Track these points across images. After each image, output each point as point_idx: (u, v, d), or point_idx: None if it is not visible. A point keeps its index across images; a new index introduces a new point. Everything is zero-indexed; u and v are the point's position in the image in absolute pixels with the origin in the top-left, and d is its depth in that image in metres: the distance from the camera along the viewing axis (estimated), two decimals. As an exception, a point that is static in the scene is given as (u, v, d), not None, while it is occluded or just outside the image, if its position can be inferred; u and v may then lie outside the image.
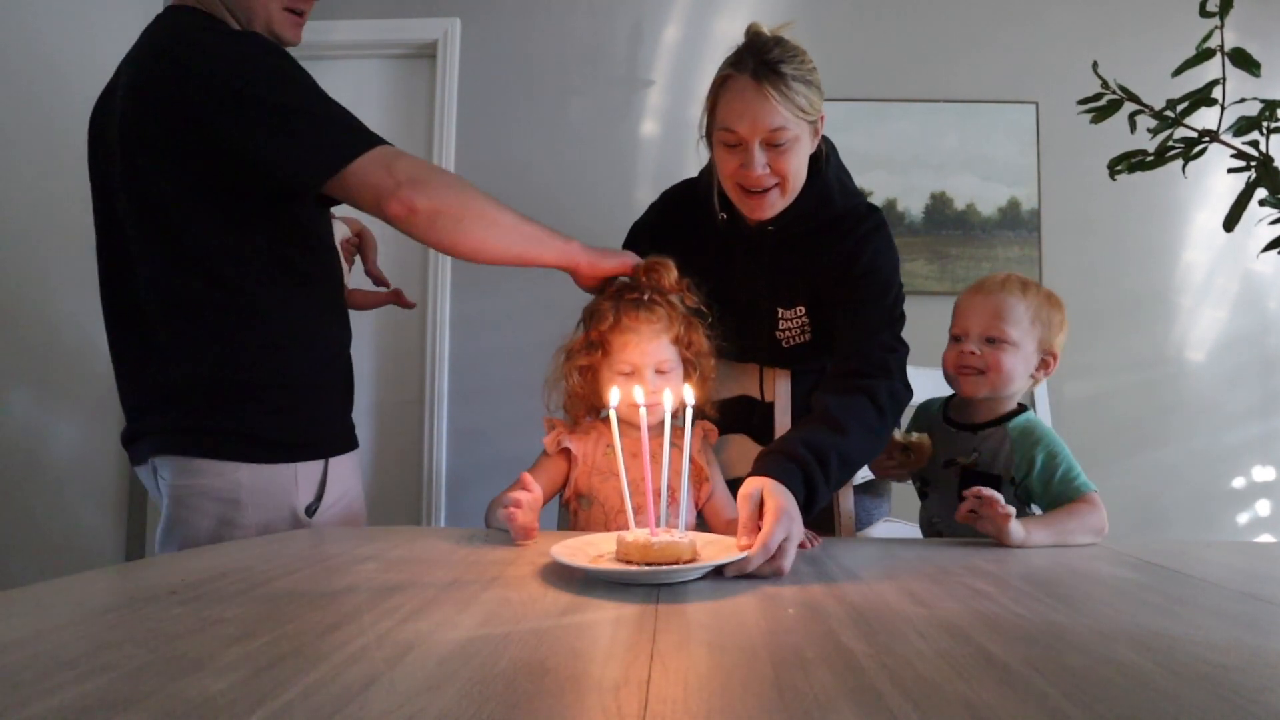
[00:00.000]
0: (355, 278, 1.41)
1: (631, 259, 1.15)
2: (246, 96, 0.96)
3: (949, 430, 1.17)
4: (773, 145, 1.11)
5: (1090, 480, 1.04)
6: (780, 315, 1.27)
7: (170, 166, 0.98)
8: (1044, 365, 1.14)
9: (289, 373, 1.05)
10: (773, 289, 1.26)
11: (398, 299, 1.43)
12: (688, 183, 1.35)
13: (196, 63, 0.97)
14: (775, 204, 1.16)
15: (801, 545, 0.92)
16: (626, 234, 1.42)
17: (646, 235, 1.35)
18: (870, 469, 1.18)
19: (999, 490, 1.06)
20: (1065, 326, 1.15)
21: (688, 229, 1.28)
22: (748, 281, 1.26)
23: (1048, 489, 1.06)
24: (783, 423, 1.35)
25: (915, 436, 1.15)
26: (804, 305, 1.26)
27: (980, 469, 1.11)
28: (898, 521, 1.41)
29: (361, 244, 1.41)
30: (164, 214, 1.00)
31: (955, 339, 1.16)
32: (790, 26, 1.18)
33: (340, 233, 1.34)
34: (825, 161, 1.20)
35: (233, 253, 1.01)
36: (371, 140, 1.00)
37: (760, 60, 1.11)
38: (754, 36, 1.16)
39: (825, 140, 1.20)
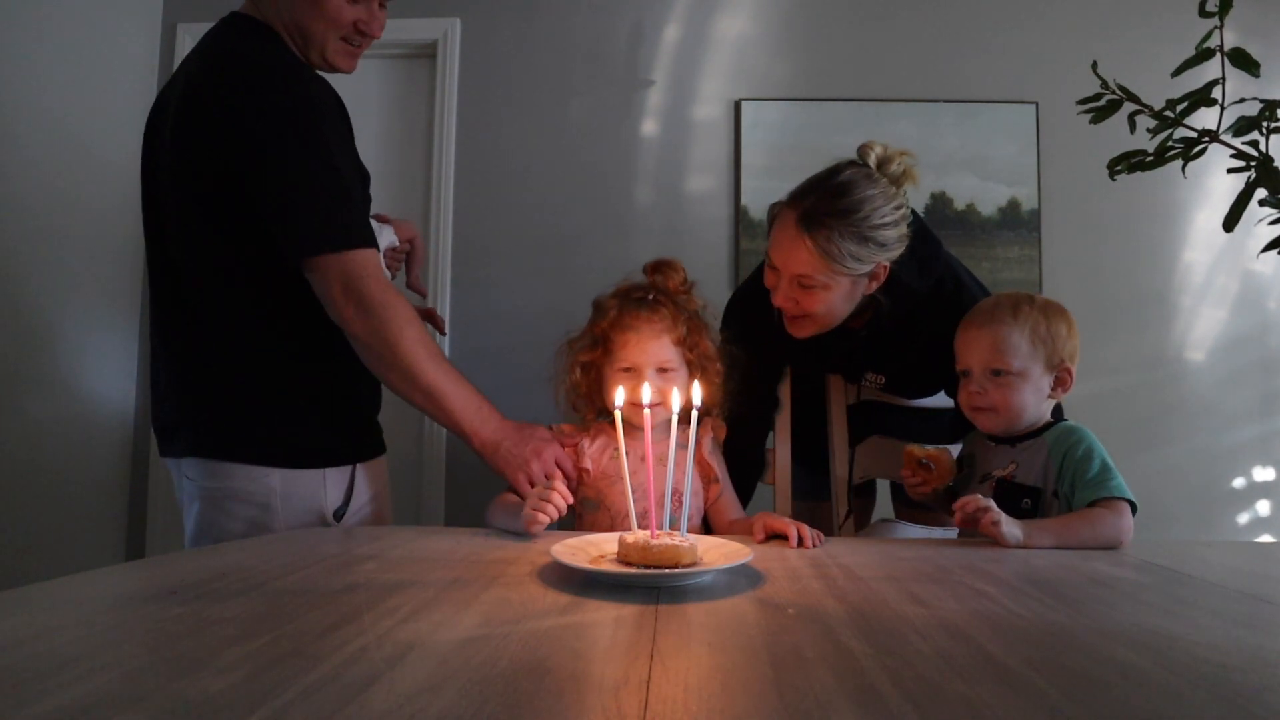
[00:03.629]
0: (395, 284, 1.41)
1: (545, 455, 1.09)
2: (270, 154, 0.99)
3: (988, 445, 1.14)
4: (801, 285, 1.12)
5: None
6: (865, 377, 1.33)
7: (209, 189, 1.02)
8: (1060, 383, 1.09)
9: (323, 382, 1.08)
10: (865, 364, 1.31)
11: (433, 318, 1.44)
12: (754, 282, 1.33)
13: (238, 98, 1.00)
14: (807, 329, 1.18)
15: (804, 544, 0.92)
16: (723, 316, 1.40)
17: (744, 320, 1.34)
18: (905, 490, 1.18)
19: (1038, 503, 1.05)
20: (1074, 333, 1.09)
21: (769, 327, 1.27)
22: (841, 360, 1.32)
23: (1075, 489, 1.01)
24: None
25: (934, 450, 1.13)
26: (885, 376, 1.31)
27: (1017, 481, 1.08)
28: (897, 522, 1.41)
29: (411, 253, 1.43)
30: (207, 228, 1.04)
31: (963, 375, 1.12)
32: (907, 157, 1.13)
33: (387, 240, 1.34)
34: (899, 275, 1.16)
35: (269, 267, 1.03)
36: (353, 241, 1.01)
37: (817, 206, 1.08)
38: (835, 170, 1.12)
39: (914, 222, 1.16)
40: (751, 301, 1.32)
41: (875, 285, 1.15)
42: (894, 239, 1.10)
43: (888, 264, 1.13)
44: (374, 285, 1.01)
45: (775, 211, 1.16)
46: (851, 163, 1.13)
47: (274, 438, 1.05)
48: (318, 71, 1.12)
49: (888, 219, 1.09)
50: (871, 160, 1.11)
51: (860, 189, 1.08)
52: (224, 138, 0.99)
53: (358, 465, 1.12)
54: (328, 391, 1.09)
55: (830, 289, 1.11)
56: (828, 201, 1.08)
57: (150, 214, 1.09)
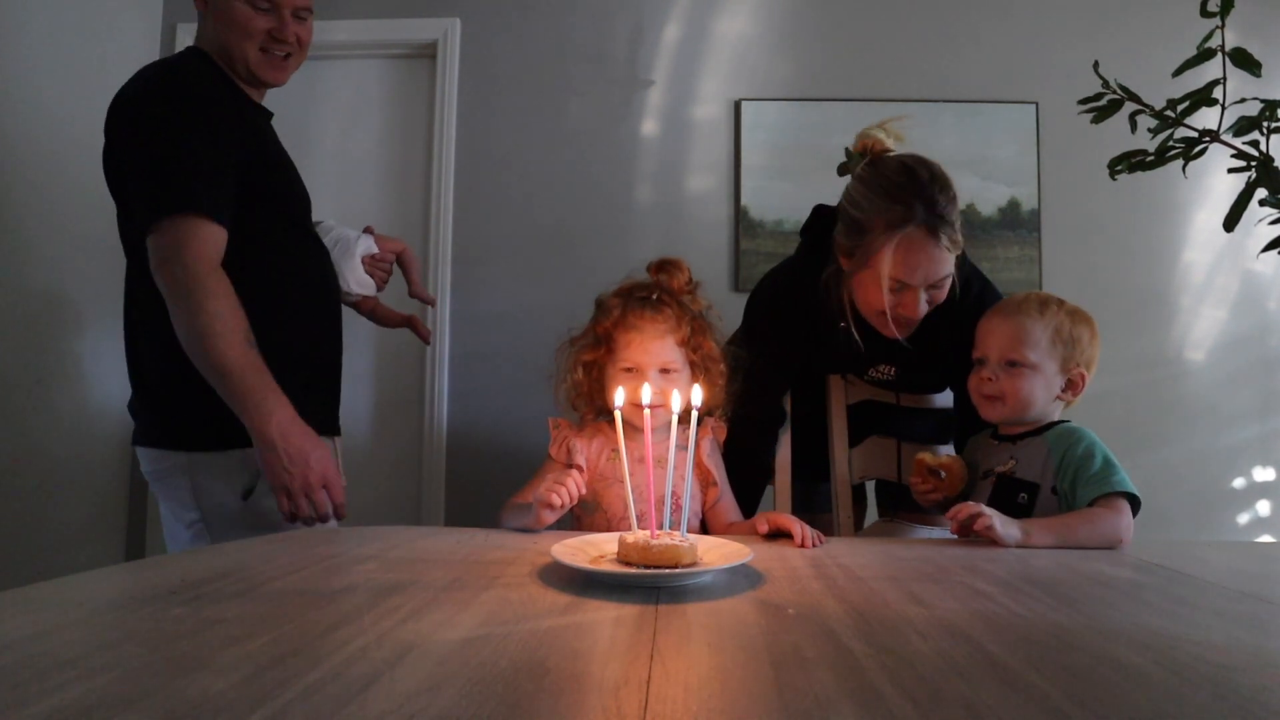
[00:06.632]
0: (382, 294, 1.43)
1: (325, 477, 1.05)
2: (130, 138, 1.06)
3: (990, 443, 1.15)
4: (935, 286, 1.14)
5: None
6: (874, 369, 1.35)
7: (120, 186, 1.09)
8: (1071, 386, 1.10)
9: None
10: (879, 356, 1.32)
11: (415, 325, 1.44)
12: (786, 276, 1.35)
13: (130, 95, 1.09)
14: (915, 326, 1.19)
15: (805, 544, 0.92)
16: (742, 325, 1.40)
17: (773, 309, 1.35)
18: (914, 497, 1.19)
19: (1034, 498, 1.05)
20: (1096, 343, 1.10)
21: (802, 319, 1.28)
22: (862, 355, 1.31)
23: (1076, 486, 1.02)
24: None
25: (946, 458, 1.12)
26: (899, 368, 1.32)
27: (1016, 476, 1.09)
28: (901, 522, 1.41)
29: (404, 265, 1.43)
30: (127, 222, 1.10)
31: (978, 362, 1.14)
32: (891, 123, 1.16)
33: (364, 247, 1.35)
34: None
35: None
36: (181, 206, 1.01)
37: (932, 210, 1.09)
38: (907, 172, 1.11)
39: None
40: (778, 294, 1.33)
41: None
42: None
43: None
44: (193, 254, 1.00)
45: (883, 239, 1.10)
46: (895, 159, 1.14)
47: (189, 421, 1.07)
48: (256, 87, 1.19)
49: (955, 187, 1.12)
50: (890, 143, 1.14)
51: (929, 169, 1.11)
52: (109, 129, 1.10)
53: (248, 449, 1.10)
54: None
55: (953, 271, 1.14)
56: (934, 202, 1.09)
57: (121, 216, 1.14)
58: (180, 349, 1.04)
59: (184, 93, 1.07)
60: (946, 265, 1.11)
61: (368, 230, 1.40)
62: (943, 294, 1.15)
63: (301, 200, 1.24)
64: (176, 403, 1.08)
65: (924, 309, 1.15)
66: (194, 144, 1.04)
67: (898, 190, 1.10)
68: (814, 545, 0.92)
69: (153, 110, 1.05)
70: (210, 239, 1.03)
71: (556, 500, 0.93)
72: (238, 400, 1.01)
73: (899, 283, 1.12)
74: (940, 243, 1.09)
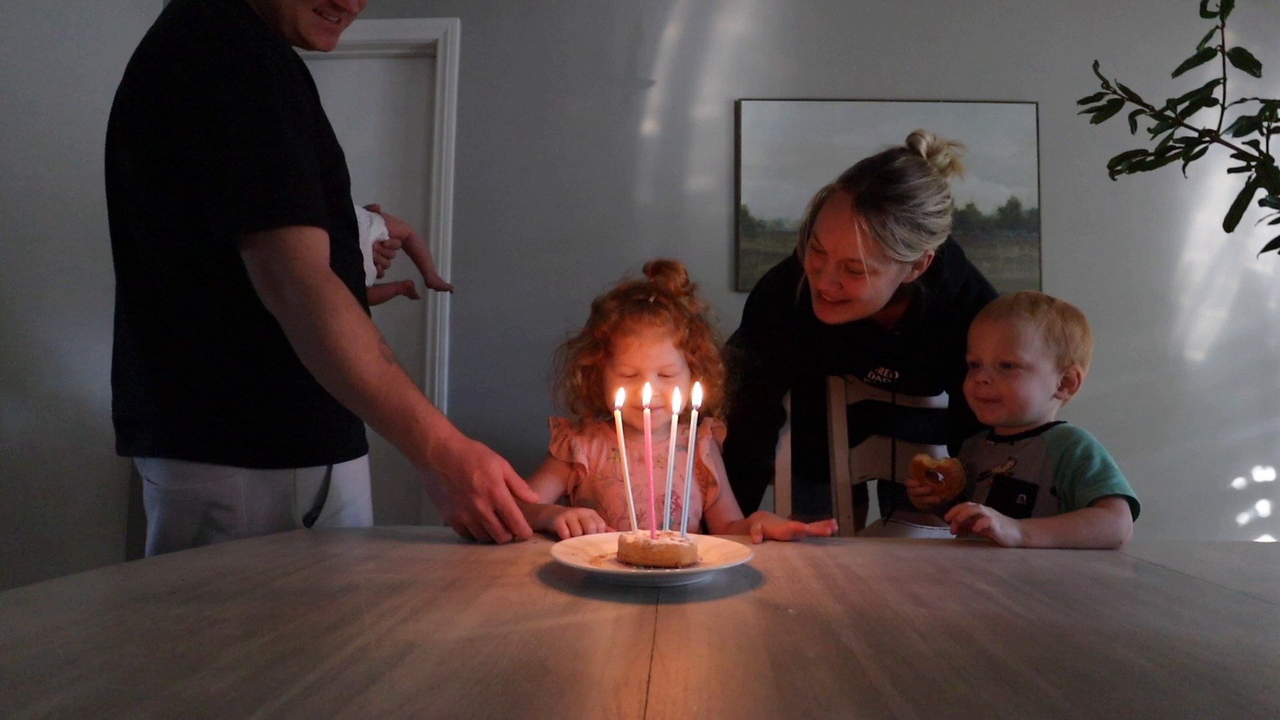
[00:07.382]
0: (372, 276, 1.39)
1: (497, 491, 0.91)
2: (204, 118, 0.89)
3: (988, 444, 1.15)
4: (849, 270, 1.11)
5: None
6: (874, 371, 1.35)
7: (157, 166, 0.94)
8: (1067, 384, 1.10)
9: (298, 374, 0.95)
10: (880, 359, 1.32)
11: (408, 291, 1.40)
12: (785, 275, 1.35)
13: (178, 57, 0.91)
14: (842, 315, 1.17)
15: (806, 534, 0.93)
16: (743, 313, 1.43)
17: (770, 310, 1.36)
18: (910, 499, 1.18)
19: (1033, 499, 1.05)
20: (1089, 339, 1.11)
21: (801, 319, 1.27)
22: (859, 357, 1.32)
23: (1075, 487, 1.02)
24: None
25: (945, 461, 1.13)
26: (900, 371, 1.32)
27: (1014, 477, 1.09)
28: (906, 523, 1.41)
29: (414, 253, 1.38)
30: (162, 211, 0.96)
31: (973, 365, 1.14)
32: (955, 148, 1.13)
33: (378, 232, 1.30)
34: (941, 265, 1.19)
35: (234, 255, 0.94)
36: (286, 217, 0.89)
37: (873, 189, 1.07)
38: (889, 156, 1.11)
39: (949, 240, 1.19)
40: (776, 294, 1.33)
41: (918, 274, 1.16)
42: (942, 228, 1.12)
43: (933, 253, 1.15)
44: (304, 265, 0.89)
45: (824, 195, 1.14)
46: (903, 150, 1.13)
47: (240, 434, 0.97)
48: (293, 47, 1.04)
49: (938, 207, 1.10)
50: (922, 149, 1.12)
51: (913, 176, 1.08)
52: (164, 100, 0.91)
53: (334, 466, 1.04)
54: (303, 384, 0.95)
55: (878, 275, 1.11)
56: (883, 186, 1.07)
57: (113, 195, 1.01)
58: (245, 355, 0.96)
59: (260, 63, 0.91)
60: (860, 249, 1.07)
61: (372, 208, 1.34)
62: (861, 288, 1.11)
63: (347, 190, 1.11)
64: (234, 414, 0.97)
65: (832, 288, 1.13)
66: (286, 138, 0.90)
67: (865, 161, 1.12)
68: (829, 533, 0.93)
69: (228, 87, 0.89)
70: (317, 245, 0.91)
71: (564, 533, 0.91)
72: (384, 426, 0.91)
73: (817, 240, 1.13)
74: (859, 218, 1.06)
